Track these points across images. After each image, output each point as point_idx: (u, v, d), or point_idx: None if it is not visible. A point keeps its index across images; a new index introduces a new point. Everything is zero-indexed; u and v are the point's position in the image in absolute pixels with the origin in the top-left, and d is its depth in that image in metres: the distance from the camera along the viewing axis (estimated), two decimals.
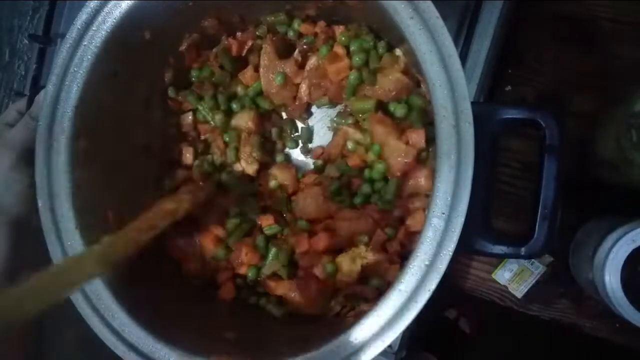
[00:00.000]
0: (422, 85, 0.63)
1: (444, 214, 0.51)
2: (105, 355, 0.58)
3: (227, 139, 0.73)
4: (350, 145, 0.68)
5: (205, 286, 0.72)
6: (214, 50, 0.75)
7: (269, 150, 0.75)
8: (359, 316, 0.55)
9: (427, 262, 0.51)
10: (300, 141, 0.76)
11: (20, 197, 0.67)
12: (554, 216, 0.56)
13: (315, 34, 0.71)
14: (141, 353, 0.58)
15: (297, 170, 0.74)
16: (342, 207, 0.68)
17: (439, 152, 0.51)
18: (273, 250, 0.71)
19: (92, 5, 0.62)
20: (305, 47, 0.71)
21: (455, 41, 0.52)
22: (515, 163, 0.84)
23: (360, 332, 0.53)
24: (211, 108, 0.74)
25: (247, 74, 0.74)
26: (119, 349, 0.58)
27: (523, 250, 0.57)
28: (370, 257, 0.64)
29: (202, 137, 0.77)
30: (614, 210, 0.76)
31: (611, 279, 0.67)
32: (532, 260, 0.83)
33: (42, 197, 0.62)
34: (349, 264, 0.65)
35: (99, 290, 0.60)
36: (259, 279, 0.71)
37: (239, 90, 0.75)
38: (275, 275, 0.71)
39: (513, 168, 0.84)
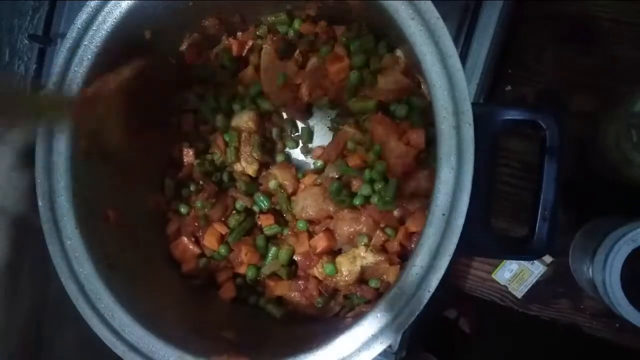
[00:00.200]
0: (422, 86, 0.63)
1: (444, 214, 0.51)
2: (105, 355, 0.58)
3: (228, 138, 0.73)
4: (350, 145, 0.68)
5: (205, 286, 0.73)
6: (215, 50, 0.75)
7: (269, 150, 0.75)
8: (358, 317, 0.55)
9: (427, 263, 0.51)
10: (300, 141, 0.76)
11: (21, 197, 0.67)
12: (554, 217, 0.56)
13: (316, 34, 0.71)
14: (141, 353, 0.58)
15: (297, 170, 0.74)
16: (342, 208, 0.68)
17: (439, 152, 0.51)
18: (273, 250, 0.71)
19: (92, 5, 0.62)
20: (305, 47, 0.71)
21: (455, 41, 0.52)
22: (515, 163, 0.84)
23: (359, 333, 0.53)
24: (212, 108, 0.74)
25: (247, 74, 0.74)
26: (119, 349, 0.58)
27: (523, 251, 0.57)
28: (370, 257, 0.65)
29: (203, 137, 0.77)
30: (614, 210, 0.76)
31: (611, 279, 0.67)
32: (532, 260, 0.83)
33: (43, 196, 0.62)
34: (349, 264, 0.65)
35: (99, 290, 0.60)
36: (258, 278, 0.71)
37: (240, 90, 0.75)
38: (275, 275, 0.71)
39: (513, 168, 0.84)
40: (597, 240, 0.71)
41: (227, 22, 0.72)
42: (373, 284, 0.65)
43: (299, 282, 0.69)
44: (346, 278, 0.66)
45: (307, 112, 0.76)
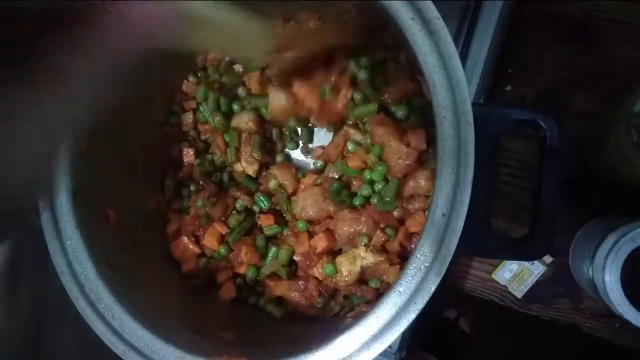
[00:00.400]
0: (422, 86, 0.63)
1: (444, 215, 0.51)
2: (105, 355, 0.58)
3: (228, 139, 0.73)
4: (350, 146, 0.68)
5: (205, 286, 0.73)
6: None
7: (269, 151, 0.75)
8: (358, 317, 0.55)
9: (427, 264, 0.51)
10: (300, 141, 0.76)
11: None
12: (554, 218, 0.56)
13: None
14: (141, 353, 0.58)
15: (297, 170, 0.74)
16: (342, 208, 0.68)
17: (440, 153, 0.51)
18: (273, 250, 0.71)
19: None
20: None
21: (455, 41, 0.52)
22: (515, 163, 0.84)
23: (359, 333, 0.53)
24: (212, 109, 0.74)
25: (253, 79, 0.74)
26: (119, 348, 0.58)
27: (523, 252, 0.57)
28: (370, 258, 0.64)
29: (203, 137, 0.77)
30: (614, 210, 0.76)
31: (611, 279, 0.67)
32: (532, 260, 0.83)
33: (43, 196, 0.62)
34: (349, 264, 0.65)
35: (99, 290, 0.60)
36: (258, 278, 0.71)
37: (240, 91, 0.75)
38: (275, 275, 0.71)
39: (513, 168, 0.84)
40: (597, 240, 0.71)
41: None
42: (373, 284, 0.65)
43: (299, 282, 0.69)
44: (346, 278, 0.66)
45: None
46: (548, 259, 0.83)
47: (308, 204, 0.69)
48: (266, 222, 0.72)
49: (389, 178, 0.65)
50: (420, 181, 0.64)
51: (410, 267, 0.52)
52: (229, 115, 0.75)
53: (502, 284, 0.86)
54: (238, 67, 0.76)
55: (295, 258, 0.70)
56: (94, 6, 0.37)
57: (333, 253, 0.68)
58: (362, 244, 0.65)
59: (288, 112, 0.72)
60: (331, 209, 0.68)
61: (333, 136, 0.73)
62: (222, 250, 0.71)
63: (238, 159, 0.73)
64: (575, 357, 1.04)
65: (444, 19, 0.52)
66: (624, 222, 0.68)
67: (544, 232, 0.56)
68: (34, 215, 0.63)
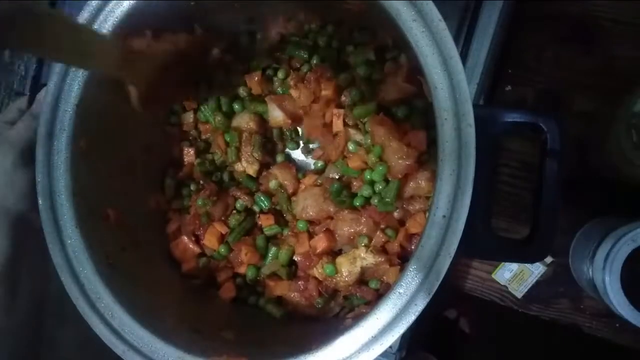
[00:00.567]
0: (423, 87, 0.63)
1: (444, 216, 0.51)
2: (105, 355, 0.58)
3: (228, 139, 0.73)
4: (351, 146, 0.68)
5: (205, 286, 0.73)
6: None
7: (269, 151, 0.75)
8: (358, 318, 0.55)
9: (427, 265, 0.51)
10: (301, 142, 0.76)
11: (22, 196, 0.67)
12: (554, 219, 0.56)
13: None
14: (141, 353, 0.58)
15: (298, 170, 0.74)
16: (342, 208, 0.68)
17: (440, 154, 0.51)
18: (273, 250, 0.71)
19: (94, 5, 0.62)
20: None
21: (455, 41, 0.52)
22: (515, 163, 0.84)
23: (359, 334, 0.53)
24: (213, 109, 0.74)
25: (254, 79, 0.73)
26: (119, 348, 0.58)
27: (523, 255, 0.57)
28: (370, 258, 0.64)
29: (203, 137, 0.77)
30: (614, 210, 0.76)
31: (611, 279, 0.67)
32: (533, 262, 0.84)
33: (43, 195, 0.62)
34: (349, 265, 0.65)
35: (99, 289, 0.60)
36: (258, 278, 0.71)
37: (241, 91, 0.74)
38: (274, 276, 0.71)
39: (513, 168, 0.84)
40: (597, 240, 0.71)
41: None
42: (373, 284, 0.66)
43: (299, 282, 0.69)
44: (346, 279, 0.66)
45: None
46: (548, 259, 0.83)
47: (308, 204, 0.69)
48: (266, 222, 0.72)
49: (390, 179, 0.65)
50: (420, 182, 0.64)
51: (411, 268, 0.52)
52: (229, 115, 0.75)
53: (502, 284, 0.86)
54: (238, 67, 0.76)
55: (295, 258, 0.70)
56: None
57: (333, 253, 0.68)
58: (363, 244, 0.65)
59: (288, 125, 0.73)
60: (331, 210, 0.68)
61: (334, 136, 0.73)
62: (222, 250, 0.71)
63: (239, 159, 0.73)
64: (575, 357, 1.04)
65: (444, 19, 0.52)
66: (624, 222, 0.68)
67: (545, 233, 0.56)
68: (35, 215, 0.63)
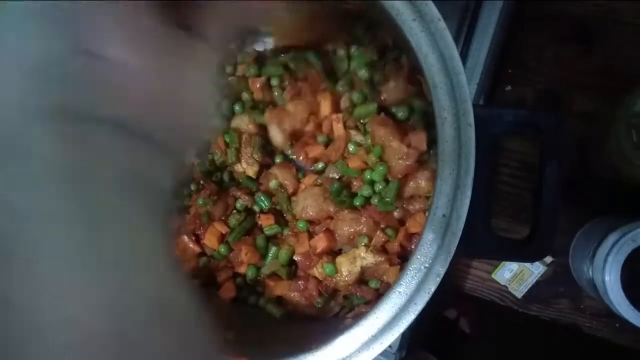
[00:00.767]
0: (423, 87, 0.63)
1: (444, 216, 0.51)
2: None
3: (228, 139, 0.73)
4: (351, 147, 0.68)
5: (205, 286, 0.73)
6: None
7: (269, 152, 0.75)
8: (358, 317, 0.55)
9: (427, 265, 0.51)
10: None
11: None
12: (554, 219, 0.56)
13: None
14: None
15: (298, 170, 0.74)
16: (342, 208, 0.68)
17: (440, 154, 0.51)
18: (273, 250, 0.71)
19: None
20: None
21: (455, 41, 0.52)
22: (515, 163, 0.84)
23: (359, 333, 0.53)
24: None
25: (257, 85, 0.73)
26: None
27: (523, 254, 0.57)
28: (370, 258, 0.64)
29: None
30: (614, 210, 0.76)
31: (611, 279, 0.67)
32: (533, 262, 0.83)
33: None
34: (349, 265, 0.65)
35: None
36: (258, 278, 0.71)
37: (244, 96, 0.74)
38: (274, 275, 0.71)
39: (513, 168, 0.84)
40: (597, 240, 0.71)
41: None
42: (373, 284, 0.66)
43: (299, 282, 0.69)
44: (346, 278, 0.66)
45: None
46: (548, 259, 0.83)
47: (308, 204, 0.69)
48: (266, 222, 0.72)
49: (390, 179, 0.65)
50: (420, 182, 0.64)
51: (410, 268, 0.52)
52: (229, 117, 0.75)
53: (502, 284, 0.86)
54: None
55: (295, 258, 0.70)
56: None
57: (333, 253, 0.68)
58: (362, 244, 0.65)
59: (288, 147, 0.74)
60: (331, 209, 0.68)
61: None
62: (222, 249, 0.71)
63: (238, 160, 0.73)
64: (575, 357, 1.04)
65: (444, 19, 0.52)
66: (624, 222, 0.68)
67: (545, 233, 0.56)
68: None
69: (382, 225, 0.66)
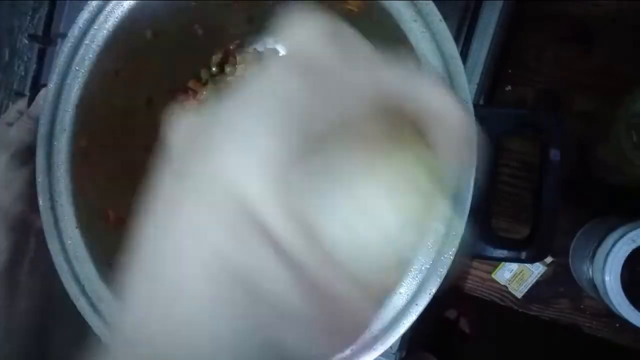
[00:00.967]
0: None
1: (445, 216, 0.51)
2: None
3: None
4: None
5: None
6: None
7: None
8: None
9: (427, 266, 0.51)
10: None
11: (18, 196, 0.67)
12: (554, 220, 0.56)
13: None
14: None
15: None
16: None
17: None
18: None
19: (94, 4, 0.62)
20: None
21: (455, 41, 0.52)
22: (515, 163, 0.84)
23: None
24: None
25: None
26: None
27: (524, 255, 0.57)
28: None
29: None
30: (614, 210, 0.76)
31: (611, 279, 0.67)
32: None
33: (43, 196, 0.62)
34: None
35: (99, 290, 0.60)
36: None
37: None
38: None
39: (513, 168, 0.84)
40: (597, 240, 0.71)
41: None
42: None
43: None
44: None
45: None
46: (548, 259, 0.83)
47: None
48: None
49: None
50: None
51: (411, 269, 0.52)
52: None
53: (502, 284, 0.86)
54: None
55: None
56: None
57: None
58: None
59: None
60: None
61: None
62: None
63: None
64: (575, 357, 1.04)
65: (444, 19, 0.52)
66: (624, 222, 0.68)
67: (545, 233, 0.56)
68: (35, 215, 0.63)
69: None
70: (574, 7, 0.82)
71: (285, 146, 0.24)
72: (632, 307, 0.67)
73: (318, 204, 0.26)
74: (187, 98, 0.76)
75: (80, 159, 0.63)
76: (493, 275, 0.86)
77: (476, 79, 0.76)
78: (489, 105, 0.79)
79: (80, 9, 0.62)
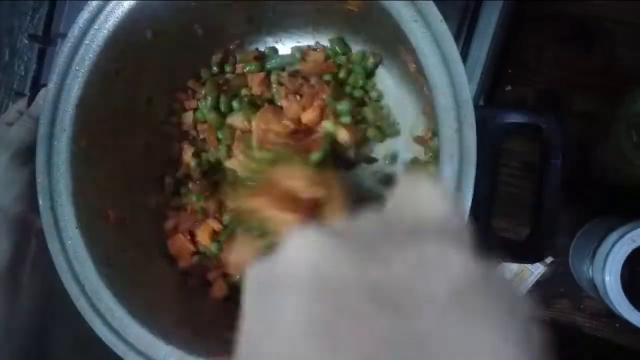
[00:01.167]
0: (424, 88, 0.63)
1: None
2: (105, 356, 0.58)
3: (221, 136, 0.73)
4: None
5: (206, 286, 0.72)
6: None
7: None
8: None
9: None
10: None
11: (18, 196, 0.67)
12: (554, 221, 0.56)
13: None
14: (142, 353, 0.58)
15: None
16: None
17: (441, 155, 0.51)
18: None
19: (94, 5, 0.62)
20: None
21: (455, 41, 0.52)
22: (516, 163, 0.84)
23: None
24: (210, 107, 0.74)
25: (256, 79, 0.73)
26: (120, 349, 0.58)
27: (524, 255, 0.57)
28: None
29: (202, 136, 0.77)
30: (614, 210, 0.76)
31: (611, 279, 0.67)
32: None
33: (43, 196, 0.62)
34: None
35: (99, 290, 0.60)
36: None
37: (243, 92, 0.74)
38: None
39: (513, 168, 0.84)
40: (597, 240, 0.71)
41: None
42: None
43: None
44: None
45: None
46: (548, 259, 0.83)
47: None
48: None
49: None
50: None
51: None
52: (226, 115, 0.74)
53: None
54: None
55: None
56: None
57: None
58: None
59: None
60: None
61: None
62: (214, 247, 0.71)
63: (229, 157, 0.73)
64: (575, 357, 1.04)
65: (444, 19, 0.52)
66: (624, 222, 0.68)
67: (545, 233, 0.56)
68: (34, 215, 0.63)
69: None
70: (574, 7, 0.82)
71: None
72: (632, 307, 0.67)
73: None
74: (187, 98, 0.76)
75: (80, 159, 0.63)
76: None
77: (476, 79, 0.76)
78: (489, 105, 0.79)
79: (80, 9, 0.62)
